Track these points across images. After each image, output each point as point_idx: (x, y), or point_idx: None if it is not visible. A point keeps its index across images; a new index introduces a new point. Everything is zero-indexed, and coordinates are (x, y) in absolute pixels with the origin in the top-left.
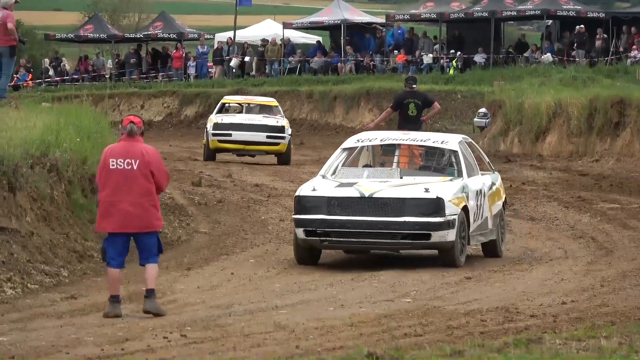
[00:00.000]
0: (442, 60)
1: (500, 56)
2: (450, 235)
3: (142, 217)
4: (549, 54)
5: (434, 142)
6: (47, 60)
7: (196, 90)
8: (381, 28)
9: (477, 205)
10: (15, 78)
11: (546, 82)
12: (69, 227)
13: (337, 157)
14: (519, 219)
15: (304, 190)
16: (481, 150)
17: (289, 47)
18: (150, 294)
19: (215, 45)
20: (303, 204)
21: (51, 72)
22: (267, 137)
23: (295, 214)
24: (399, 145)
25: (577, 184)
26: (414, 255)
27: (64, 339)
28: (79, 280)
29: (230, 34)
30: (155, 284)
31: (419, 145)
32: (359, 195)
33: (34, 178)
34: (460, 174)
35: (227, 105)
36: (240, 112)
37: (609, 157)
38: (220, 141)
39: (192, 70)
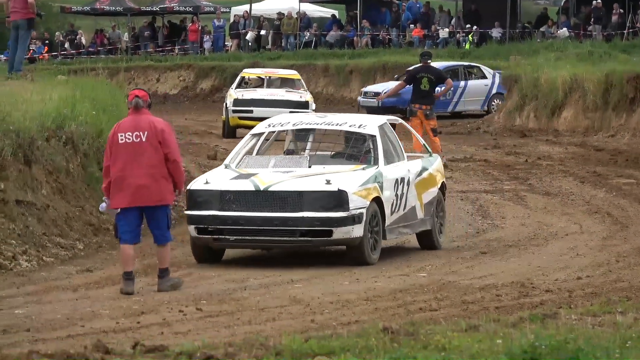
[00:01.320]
0: (458, 35)
1: (517, 31)
2: (356, 230)
3: (153, 190)
4: (565, 29)
5: (350, 126)
6: (59, 34)
7: (212, 64)
8: (397, 2)
9: (396, 195)
10: (31, 51)
11: (562, 57)
12: (85, 200)
13: (244, 144)
14: (535, 194)
15: (197, 183)
16: (414, 131)
17: (304, 21)
18: (163, 273)
19: (232, 19)
20: (194, 199)
21: (67, 45)
22: (290, 112)
23: (186, 209)
24: (313, 130)
25: (592, 159)
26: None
27: (79, 312)
28: (95, 253)
29: (246, 7)
30: (168, 262)
31: (334, 130)
32: (253, 189)
33: (49, 151)
34: (376, 162)
35: (246, 78)
36: (261, 85)
37: (624, 132)
38: (241, 118)
39: (207, 44)
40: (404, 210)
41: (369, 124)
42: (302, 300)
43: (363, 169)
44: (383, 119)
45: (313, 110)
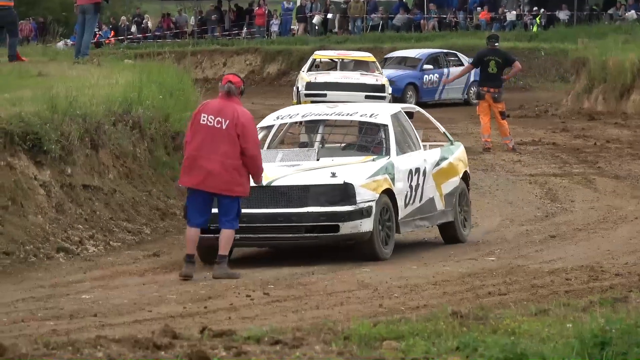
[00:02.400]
0: (525, 17)
1: (584, 13)
2: (365, 225)
3: (223, 179)
4: (633, 11)
5: (362, 115)
6: (124, 18)
7: (278, 48)
8: None
9: (411, 186)
10: (98, 35)
11: (630, 39)
12: (152, 185)
13: None
14: (604, 177)
15: None
16: (434, 120)
17: (371, 4)
18: (221, 259)
19: (299, 3)
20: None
21: (133, 29)
22: (366, 97)
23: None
24: (323, 121)
25: None
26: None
27: (147, 296)
28: (162, 238)
29: None
30: (227, 249)
31: (345, 120)
32: (256, 184)
33: (116, 135)
34: (387, 152)
35: (318, 61)
36: (333, 68)
37: None
38: (314, 102)
39: (275, 27)
40: (420, 202)
41: (381, 113)
42: (370, 284)
43: (373, 160)
44: (397, 107)
45: (389, 94)
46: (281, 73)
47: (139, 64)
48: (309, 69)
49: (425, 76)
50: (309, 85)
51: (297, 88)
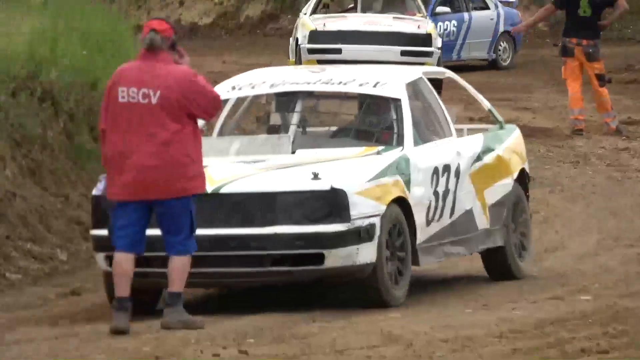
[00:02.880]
0: None
1: None
2: (365, 253)
3: (165, 175)
4: None
5: (361, 85)
6: None
7: None
8: None
9: (436, 193)
10: None
11: None
12: (70, 187)
13: None
14: None
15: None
16: (473, 90)
17: None
18: (174, 300)
19: None
20: (103, 211)
21: None
22: (403, 53)
23: (93, 226)
24: (303, 93)
25: None
26: None
27: (61, 356)
28: (84, 267)
29: None
30: (182, 284)
31: (335, 92)
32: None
33: (17, 112)
34: (400, 141)
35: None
36: (352, 9)
37: None
38: (321, 61)
39: None
40: (450, 217)
41: (391, 80)
42: (400, 337)
43: (378, 153)
44: (416, 71)
45: (438, 49)
46: (267, 17)
47: (51, 2)
48: (314, 11)
49: (440, 23)
50: (315, 36)
51: (297, 40)
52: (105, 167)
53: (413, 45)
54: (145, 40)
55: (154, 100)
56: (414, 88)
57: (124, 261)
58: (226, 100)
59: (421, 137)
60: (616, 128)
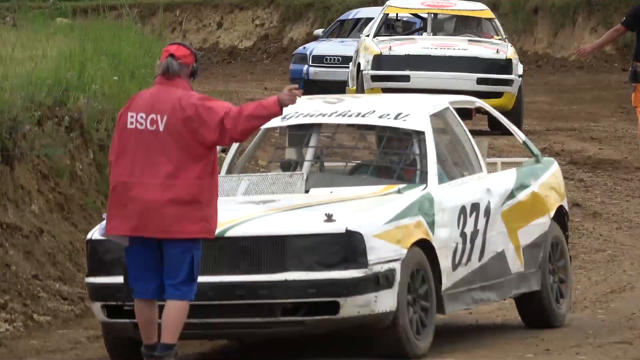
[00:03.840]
0: None
1: None
2: (384, 301)
3: (166, 212)
4: None
5: (381, 116)
6: None
7: None
8: None
9: (464, 234)
10: None
11: None
12: (101, 222)
13: None
14: None
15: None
16: (506, 121)
17: None
18: (164, 350)
19: None
20: (99, 257)
21: None
22: (479, 81)
23: (88, 274)
24: (318, 126)
25: None
26: None
27: None
28: None
29: None
30: (175, 335)
31: (352, 125)
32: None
33: (43, 142)
34: (423, 179)
35: (393, 18)
36: (420, 30)
37: None
38: (386, 90)
39: None
40: (480, 259)
41: (414, 111)
42: None
43: (398, 191)
44: (442, 101)
45: (519, 76)
46: (312, 39)
47: (79, 24)
48: (377, 32)
49: None
50: (380, 61)
51: (359, 66)
52: (109, 200)
53: (491, 73)
54: (162, 66)
55: (161, 127)
56: (439, 119)
57: (147, 308)
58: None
59: (447, 173)
60: None
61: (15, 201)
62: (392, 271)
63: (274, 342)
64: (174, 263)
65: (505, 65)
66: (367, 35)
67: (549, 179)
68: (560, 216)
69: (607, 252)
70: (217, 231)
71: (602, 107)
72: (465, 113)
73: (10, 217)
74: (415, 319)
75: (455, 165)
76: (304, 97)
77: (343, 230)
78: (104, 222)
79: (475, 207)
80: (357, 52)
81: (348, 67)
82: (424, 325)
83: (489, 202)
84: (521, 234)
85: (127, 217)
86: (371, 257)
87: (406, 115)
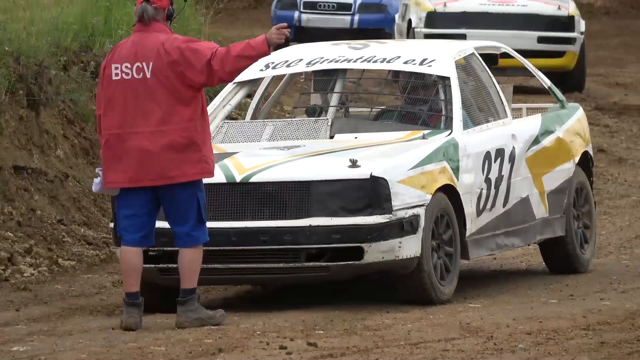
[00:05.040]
0: None
1: None
2: (408, 246)
3: (165, 159)
4: None
5: (407, 62)
6: None
7: None
8: None
9: (489, 180)
10: None
11: None
12: None
13: (224, 101)
14: None
15: None
16: (531, 66)
17: None
18: (186, 296)
19: None
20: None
21: None
22: (540, 40)
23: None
24: (343, 71)
25: None
26: None
27: (117, 348)
28: None
29: None
30: (194, 280)
31: (379, 70)
32: (224, 181)
33: (69, 87)
34: (448, 125)
35: None
36: None
37: None
38: None
39: None
40: (504, 205)
41: (439, 57)
42: (480, 329)
43: (423, 137)
44: (466, 47)
45: (581, 34)
46: None
47: None
48: None
49: None
50: (434, 18)
51: (409, 22)
52: (102, 154)
53: (552, 30)
54: (137, 12)
55: (148, 74)
56: (465, 65)
57: (132, 255)
58: (260, 80)
59: (472, 119)
60: None
61: (41, 146)
62: (416, 217)
63: (297, 287)
64: (180, 209)
65: (567, 22)
66: None
67: (573, 125)
68: (585, 162)
69: (632, 198)
70: (242, 176)
71: (628, 53)
72: (491, 58)
73: (36, 161)
74: (439, 264)
75: (480, 111)
76: (328, 43)
77: (367, 176)
78: (99, 178)
79: (500, 152)
80: (406, 5)
81: (344, 15)
82: (448, 271)
83: (513, 148)
84: (546, 180)
85: (124, 169)
86: (395, 202)
87: (431, 61)
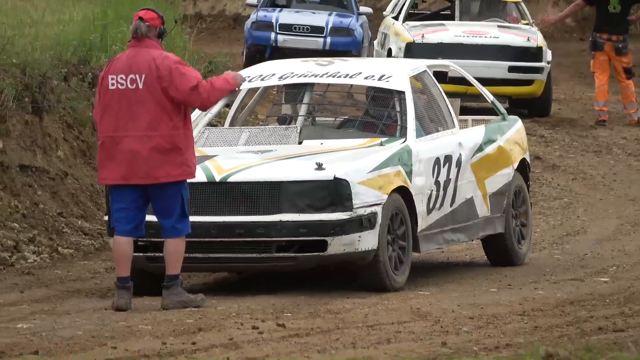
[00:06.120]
0: None
1: None
2: (366, 240)
3: (151, 160)
4: None
5: (367, 77)
6: None
7: None
8: None
9: (438, 182)
10: None
11: None
12: None
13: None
14: None
15: None
16: (476, 82)
17: None
18: (170, 281)
19: None
20: None
21: None
22: (510, 69)
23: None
24: (311, 85)
25: None
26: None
27: (109, 327)
28: None
29: None
30: (178, 266)
31: (343, 85)
32: (205, 180)
33: (69, 95)
34: (403, 133)
35: (417, 2)
36: (447, 16)
37: None
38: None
39: None
40: (451, 205)
41: (396, 73)
42: (429, 314)
43: (381, 144)
44: (419, 64)
45: (548, 63)
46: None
47: None
48: (406, 17)
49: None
50: (413, 49)
51: (389, 51)
52: (98, 154)
53: (522, 61)
54: (132, 29)
55: (140, 85)
56: (418, 80)
57: (124, 244)
58: (237, 91)
59: (424, 129)
60: (638, 120)
61: (44, 147)
62: (374, 214)
63: (269, 275)
64: (166, 204)
65: (536, 53)
66: (388, 14)
67: (513, 135)
68: (523, 167)
69: (564, 200)
70: (221, 176)
71: (561, 72)
72: (441, 76)
73: (39, 161)
74: (393, 256)
75: (431, 122)
76: (298, 60)
77: (331, 177)
78: None
79: (448, 158)
80: (385, 35)
81: (317, 37)
82: (402, 262)
83: (460, 155)
84: (488, 183)
85: (116, 168)
86: (356, 201)
87: (389, 77)
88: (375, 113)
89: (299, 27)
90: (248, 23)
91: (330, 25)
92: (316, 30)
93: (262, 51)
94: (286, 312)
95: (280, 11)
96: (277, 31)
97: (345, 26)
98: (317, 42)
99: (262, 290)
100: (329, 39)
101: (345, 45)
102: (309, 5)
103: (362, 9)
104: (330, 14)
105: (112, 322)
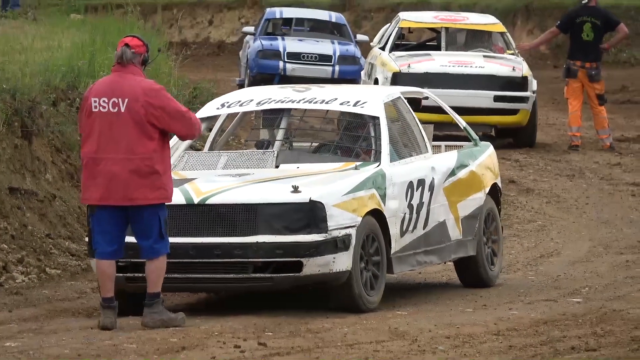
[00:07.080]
0: None
1: None
2: (341, 261)
3: (129, 182)
4: None
5: (342, 103)
6: None
7: None
8: None
9: (411, 206)
10: None
11: None
12: None
13: None
14: None
15: None
16: (449, 110)
17: None
18: (151, 300)
19: None
20: None
21: None
22: (496, 99)
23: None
24: (288, 110)
25: None
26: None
27: (95, 345)
28: None
29: None
30: (158, 285)
31: (319, 110)
32: (184, 202)
33: (57, 120)
34: (377, 157)
35: (403, 33)
36: (433, 47)
37: None
38: None
39: None
40: (424, 228)
41: (371, 100)
42: (406, 333)
43: (355, 168)
44: (394, 91)
45: (533, 92)
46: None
47: (90, 19)
48: (393, 47)
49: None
50: (399, 79)
51: (376, 80)
52: (82, 174)
53: (508, 90)
54: (117, 54)
55: (122, 108)
56: (392, 107)
57: (106, 267)
58: (216, 117)
59: (398, 153)
60: (610, 145)
61: (33, 170)
62: (348, 236)
63: (251, 295)
64: (145, 227)
65: (521, 83)
66: (376, 44)
67: (485, 160)
68: (494, 192)
69: (538, 223)
70: (199, 199)
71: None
72: (414, 102)
73: (28, 184)
74: (367, 277)
75: (404, 146)
76: (276, 86)
77: (307, 200)
78: None
79: (421, 182)
80: (372, 65)
81: (326, 65)
82: (376, 283)
83: (433, 179)
84: (460, 207)
85: (96, 189)
86: (331, 223)
87: (364, 103)
88: (351, 138)
89: (307, 56)
90: (252, 52)
91: (338, 53)
92: (324, 58)
93: (268, 80)
94: (267, 331)
95: (283, 39)
96: (286, 60)
97: (351, 54)
98: (326, 70)
99: (244, 309)
100: (337, 67)
101: (352, 74)
102: (307, 34)
103: (359, 36)
104: (333, 42)
105: (98, 341)
